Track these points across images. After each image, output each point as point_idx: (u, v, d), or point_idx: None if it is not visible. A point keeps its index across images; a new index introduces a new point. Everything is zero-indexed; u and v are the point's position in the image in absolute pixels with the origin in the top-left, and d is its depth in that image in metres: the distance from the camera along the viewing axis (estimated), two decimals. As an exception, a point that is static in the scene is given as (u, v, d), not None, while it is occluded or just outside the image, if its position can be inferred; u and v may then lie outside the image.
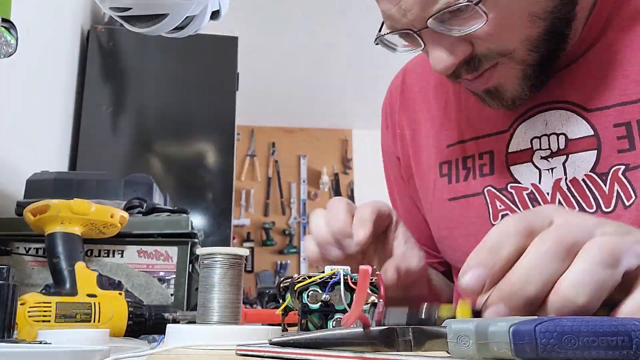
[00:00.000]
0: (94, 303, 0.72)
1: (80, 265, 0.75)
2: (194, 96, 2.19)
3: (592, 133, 0.62)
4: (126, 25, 0.94)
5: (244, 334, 0.51)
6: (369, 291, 0.57)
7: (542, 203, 0.65)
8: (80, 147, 2.02)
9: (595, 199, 0.62)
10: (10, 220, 0.92)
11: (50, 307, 0.68)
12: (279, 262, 4.98)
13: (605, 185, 0.61)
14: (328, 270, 0.58)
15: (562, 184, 0.64)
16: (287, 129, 5.34)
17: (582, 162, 0.63)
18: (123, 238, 0.91)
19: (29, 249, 0.88)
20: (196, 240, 0.97)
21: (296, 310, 0.59)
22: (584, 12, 0.63)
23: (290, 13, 3.36)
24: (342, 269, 0.57)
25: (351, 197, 5.27)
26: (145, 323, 0.75)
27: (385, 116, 0.91)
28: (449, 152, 0.76)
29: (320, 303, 0.57)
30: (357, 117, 5.19)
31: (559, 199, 0.64)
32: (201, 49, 2.21)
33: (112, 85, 2.12)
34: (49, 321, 0.68)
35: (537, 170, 0.66)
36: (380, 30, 0.65)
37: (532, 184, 0.66)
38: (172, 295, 0.92)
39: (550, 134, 0.65)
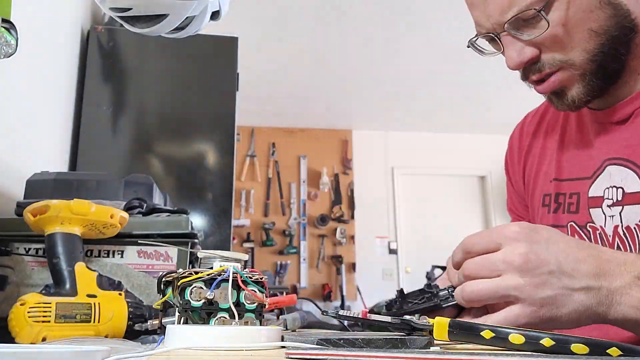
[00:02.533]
0: (94, 303, 0.71)
1: (80, 266, 0.75)
2: (194, 96, 2.19)
3: None
4: (126, 26, 0.94)
5: (243, 334, 0.51)
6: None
7: (607, 244, 0.76)
8: (80, 147, 2.01)
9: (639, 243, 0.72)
10: (10, 221, 0.92)
11: (50, 307, 0.68)
12: (278, 263, 4.98)
13: None
14: (217, 267, 0.56)
15: (619, 230, 0.75)
16: (287, 130, 5.34)
17: (633, 214, 0.73)
18: (123, 238, 0.91)
19: (29, 249, 0.88)
20: (196, 240, 0.97)
21: (176, 306, 0.57)
22: None
23: (290, 13, 3.36)
24: (232, 267, 0.55)
25: (351, 198, 5.27)
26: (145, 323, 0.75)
27: (516, 145, 1.01)
28: (550, 186, 0.88)
29: (203, 300, 0.55)
30: (357, 118, 5.19)
31: (617, 242, 0.75)
32: (201, 49, 2.21)
33: (112, 85, 2.12)
34: (49, 321, 0.68)
35: (604, 215, 0.77)
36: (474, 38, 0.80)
37: (600, 226, 0.77)
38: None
39: (613, 187, 0.76)
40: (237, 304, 0.55)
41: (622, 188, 0.74)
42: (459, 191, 5.56)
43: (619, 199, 0.74)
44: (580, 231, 0.81)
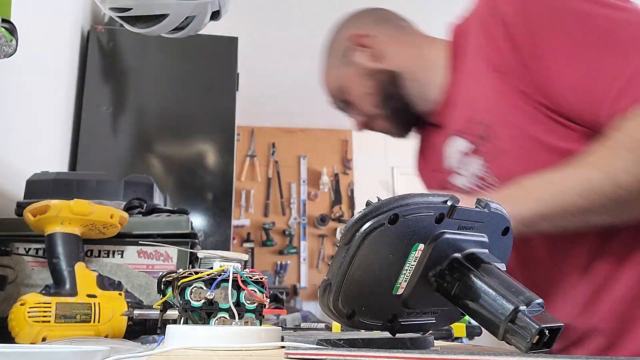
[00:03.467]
0: (94, 303, 0.72)
1: (80, 266, 0.75)
2: (194, 96, 2.19)
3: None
4: (126, 26, 0.94)
5: (242, 335, 0.51)
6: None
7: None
8: (80, 147, 2.01)
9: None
10: (10, 221, 0.92)
11: (50, 307, 0.68)
12: (278, 263, 4.98)
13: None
14: (217, 267, 0.56)
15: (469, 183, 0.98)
16: (287, 130, 5.34)
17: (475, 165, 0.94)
18: (123, 238, 0.91)
19: (29, 249, 0.88)
20: (196, 240, 0.97)
21: (176, 306, 0.57)
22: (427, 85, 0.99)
23: (290, 13, 3.36)
24: (232, 267, 0.55)
25: (351, 198, 5.27)
26: (145, 324, 0.75)
27: None
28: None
29: (203, 301, 0.55)
30: (357, 118, 5.19)
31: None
32: (201, 49, 2.21)
33: (112, 85, 2.12)
34: (49, 321, 0.68)
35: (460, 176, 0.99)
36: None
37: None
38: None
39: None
40: (237, 304, 0.55)
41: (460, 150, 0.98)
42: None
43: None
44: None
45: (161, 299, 0.59)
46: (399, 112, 1.03)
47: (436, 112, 0.99)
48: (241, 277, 0.54)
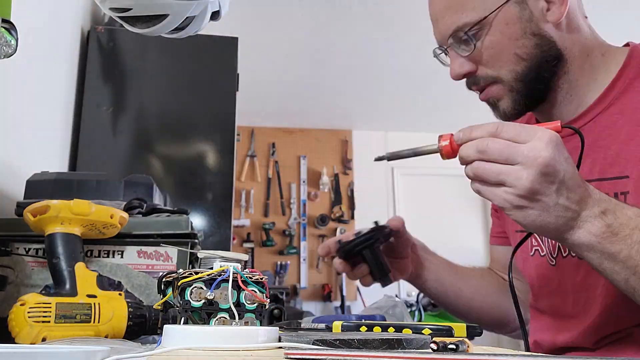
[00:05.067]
0: (94, 304, 0.72)
1: (80, 266, 0.75)
2: (194, 96, 2.19)
3: None
4: (126, 26, 0.94)
5: (242, 335, 0.51)
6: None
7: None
8: (80, 147, 2.01)
9: None
10: (10, 221, 0.92)
11: (50, 307, 0.68)
12: (278, 263, 4.98)
13: None
14: (217, 267, 0.56)
15: None
16: (287, 130, 5.33)
17: None
18: (123, 239, 0.91)
19: (29, 249, 0.88)
20: (196, 240, 0.97)
21: (177, 306, 0.57)
22: (590, 71, 0.86)
23: (290, 13, 3.36)
24: (232, 267, 0.55)
25: (351, 198, 5.27)
26: (145, 324, 0.75)
27: None
28: None
29: (204, 301, 0.55)
30: (357, 118, 5.19)
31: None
32: (201, 49, 2.21)
33: (112, 86, 2.12)
34: (49, 322, 0.68)
35: None
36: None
37: None
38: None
39: None
40: (238, 304, 0.55)
41: None
42: (459, 192, 5.56)
43: None
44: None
45: (161, 299, 0.59)
46: (535, 95, 0.87)
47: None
48: (241, 277, 0.55)
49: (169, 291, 0.58)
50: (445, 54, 0.90)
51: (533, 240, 0.95)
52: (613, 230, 0.66)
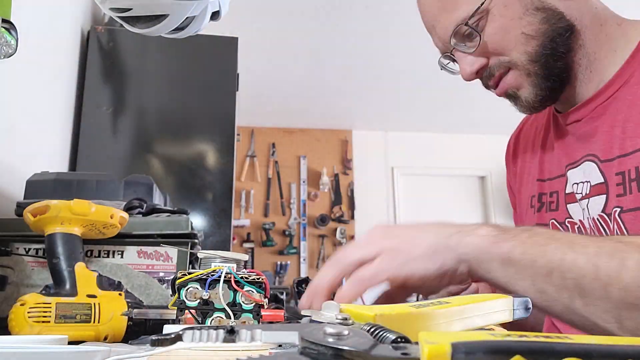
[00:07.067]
0: (94, 304, 0.72)
1: (80, 266, 0.75)
2: (194, 96, 2.19)
3: (603, 181, 0.77)
4: (126, 26, 0.94)
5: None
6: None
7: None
8: (80, 147, 2.02)
9: (606, 234, 0.77)
10: (10, 221, 0.92)
11: (50, 307, 0.68)
12: (278, 263, 4.98)
13: (610, 224, 0.75)
14: (213, 266, 0.56)
15: (587, 222, 0.80)
16: (287, 130, 5.34)
17: (596, 205, 0.78)
18: (123, 239, 0.91)
19: (29, 249, 0.88)
20: (196, 240, 0.97)
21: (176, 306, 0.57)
22: (607, 45, 0.79)
23: (290, 13, 3.36)
24: (226, 267, 0.55)
25: (351, 198, 5.27)
26: (145, 324, 0.75)
27: (508, 157, 1.07)
28: (534, 186, 0.93)
29: (199, 300, 0.55)
30: (357, 118, 5.18)
31: (596, 234, 0.79)
32: (201, 49, 2.21)
33: (112, 86, 2.12)
34: (49, 322, 0.68)
35: (581, 209, 0.81)
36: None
37: (579, 220, 0.82)
38: (171, 295, 0.92)
39: (581, 182, 0.81)
40: (234, 304, 0.55)
41: (589, 182, 0.80)
42: (459, 191, 5.56)
43: (587, 192, 0.80)
44: (560, 227, 0.86)
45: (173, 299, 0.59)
46: (555, 75, 0.79)
47: (579, 104, 0.81)
48: (234, 277, 0.55)
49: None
50: (452, 60, 0.85)
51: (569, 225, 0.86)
52: (502, 229, 0.60)
